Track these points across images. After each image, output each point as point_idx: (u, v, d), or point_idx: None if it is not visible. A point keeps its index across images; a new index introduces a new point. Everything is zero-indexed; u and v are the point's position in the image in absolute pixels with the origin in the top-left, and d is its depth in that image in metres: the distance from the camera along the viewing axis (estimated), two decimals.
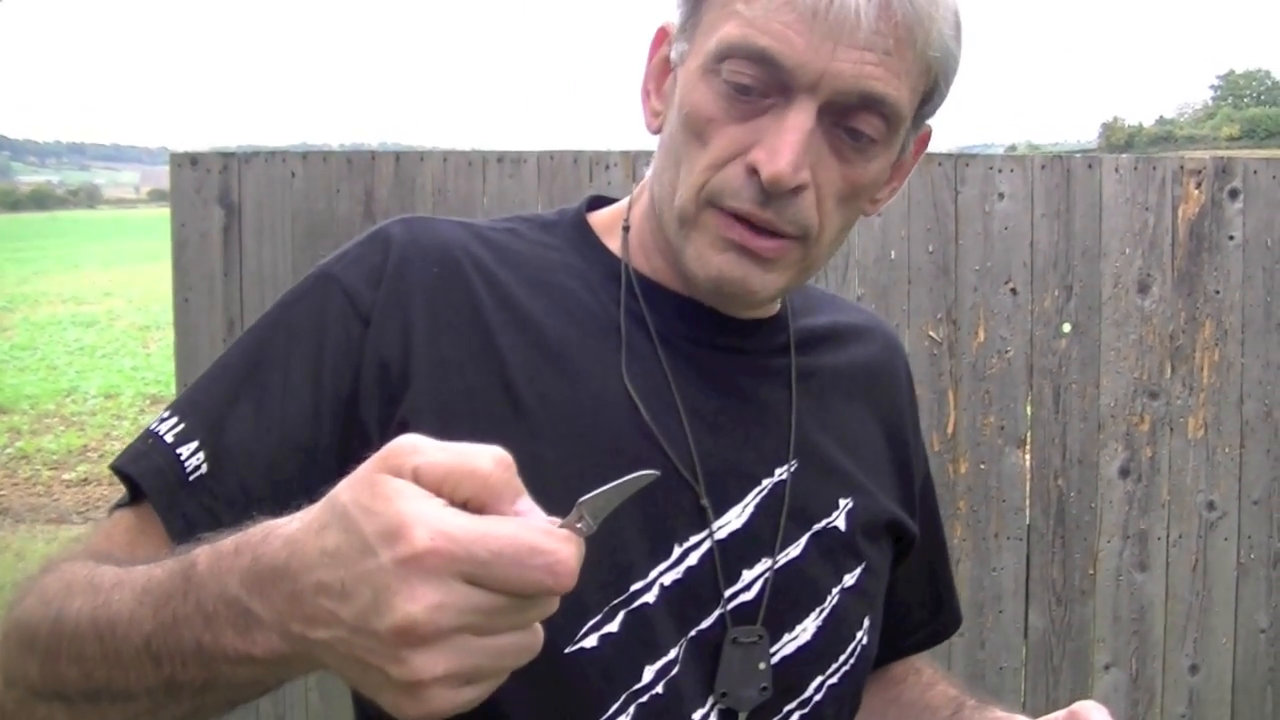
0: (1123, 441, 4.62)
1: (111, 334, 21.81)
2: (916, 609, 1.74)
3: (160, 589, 1.04)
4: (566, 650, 1.29)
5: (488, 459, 0.89)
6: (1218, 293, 4.59)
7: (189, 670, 1.01)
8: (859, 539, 1.50)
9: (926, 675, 1.78)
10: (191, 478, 1.30)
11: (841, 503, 1.49)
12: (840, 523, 1.48)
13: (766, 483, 1.43)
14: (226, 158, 4.74)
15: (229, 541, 0.99)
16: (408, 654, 0.85)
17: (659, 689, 1.33)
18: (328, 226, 4.69)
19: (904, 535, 1.60)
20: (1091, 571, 4.66)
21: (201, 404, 1.35)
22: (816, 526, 1.46)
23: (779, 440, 1.46)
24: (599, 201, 1.58)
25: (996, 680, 4.61)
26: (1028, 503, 4.64)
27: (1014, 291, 4.57)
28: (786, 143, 1.27)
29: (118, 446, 13.18)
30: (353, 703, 1.45)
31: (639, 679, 1.32)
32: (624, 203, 1.55)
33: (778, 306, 1.53)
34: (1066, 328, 4.59)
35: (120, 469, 1.34)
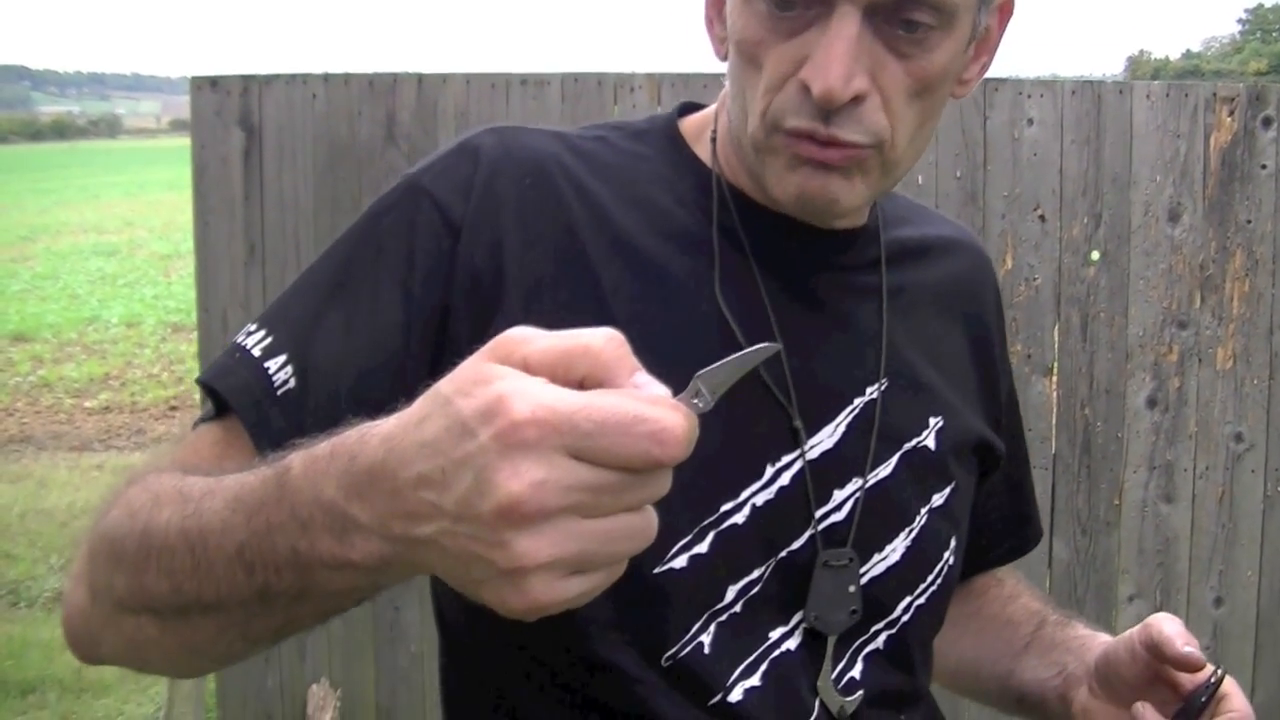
0: (1150, 372, 4.58)
1: (133, 263, 21.85)
2: (1000, 523, 1.73)
3: (253, 496, 1.01)
4: (655, 571, 1.27)
5: (600, 337, 0.87)
6: (1249, 222, 4.53)
7: (284, 579, 0.99)
8: (948, 459, 1.49)
9: (1009, 587, 1.78)
10: (280, 392, 1.27)
11: (931, 422, 1.48)
12: (930, 442, 1.47)
13: (858, 402, 1.42)
14: (247, 80, 4.71)
15: (324, 446, 0.96)
16: (511, 536, 0.82)
17: (738, 608, 1.32)
18: (349, 150, 4.66)
19: (991, 453, 1.59)
20: (1117, 502, 4.64)
21: (289, 317, 1.33)
22: (906, 446, 1.45)
23: (870, 359, 1.44)
24: (689, 108, 1.54)
25: None
26: (1054, 432, 4.61)
27: (1042, 219, 4.52)
28: (833, 55, 1.23)
29: (139, 375, 13.26)
30: (436, 624, 1.46)
31: (721, 599, 1.31)
32: (711, 109, 1.51)
33: (866, 216, 1.49)
34: (1095, 256, 4.54)
35: (207, 384, 1.31)
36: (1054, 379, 4.58)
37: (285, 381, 1.28)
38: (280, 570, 0.98)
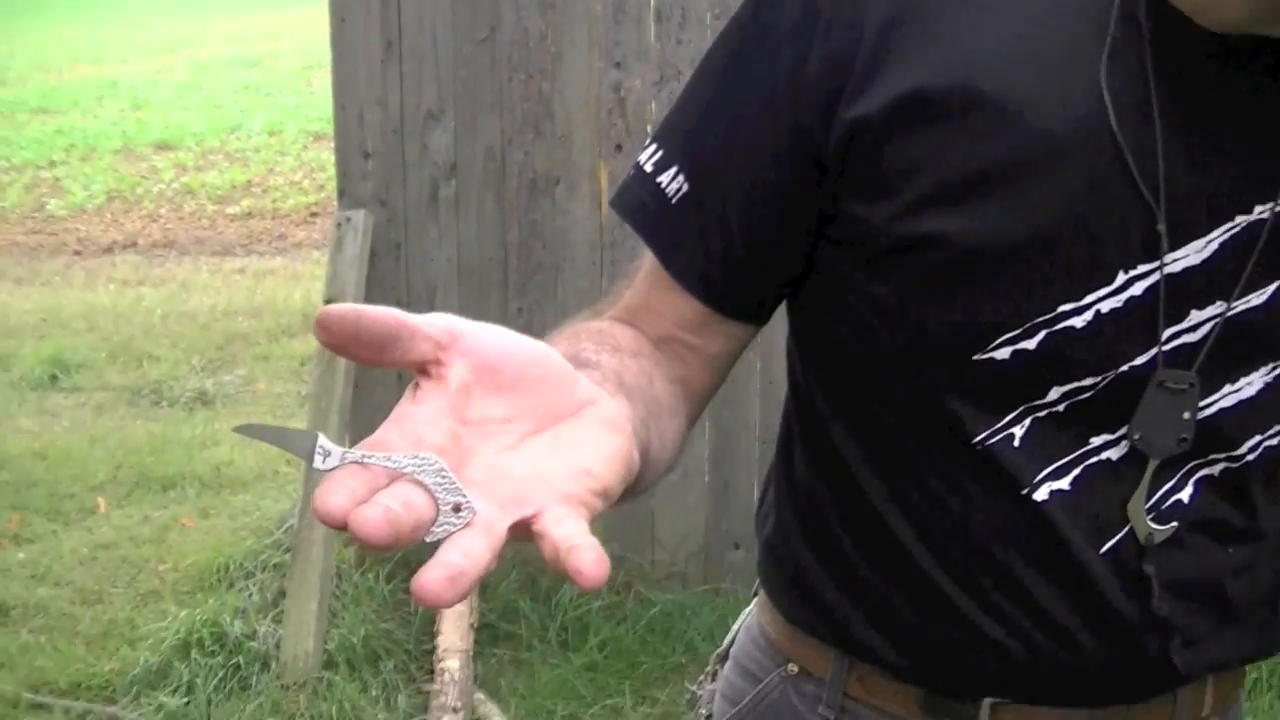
0: None
1: (275, 73, 21.84)
2: None
3: None
4: (975, 357, 1.25)
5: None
6: None
7: None
8: None
9: None
10: (674, 201, 1.33)
11: None
12: None
13: (1240, 220, 1.23)
14: None
15: None
16: None
17: (1060, 408, 1.27)
18: None
19: None
20: None
21: (677, 126, 1.37)
22: None
23: (1268, 174, 1.24)
24: None
25: None
26: None
27: None
28: None
29: (280, 182, 13.34)
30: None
31: (1043, 396, 1.26)
32: None
33: None
34: None
35: (612, 204, 1.42)
36: None
37: (679, 189, 1.33)
38: None
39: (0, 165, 14.52)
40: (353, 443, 0.88)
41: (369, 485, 0.81)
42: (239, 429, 0.88)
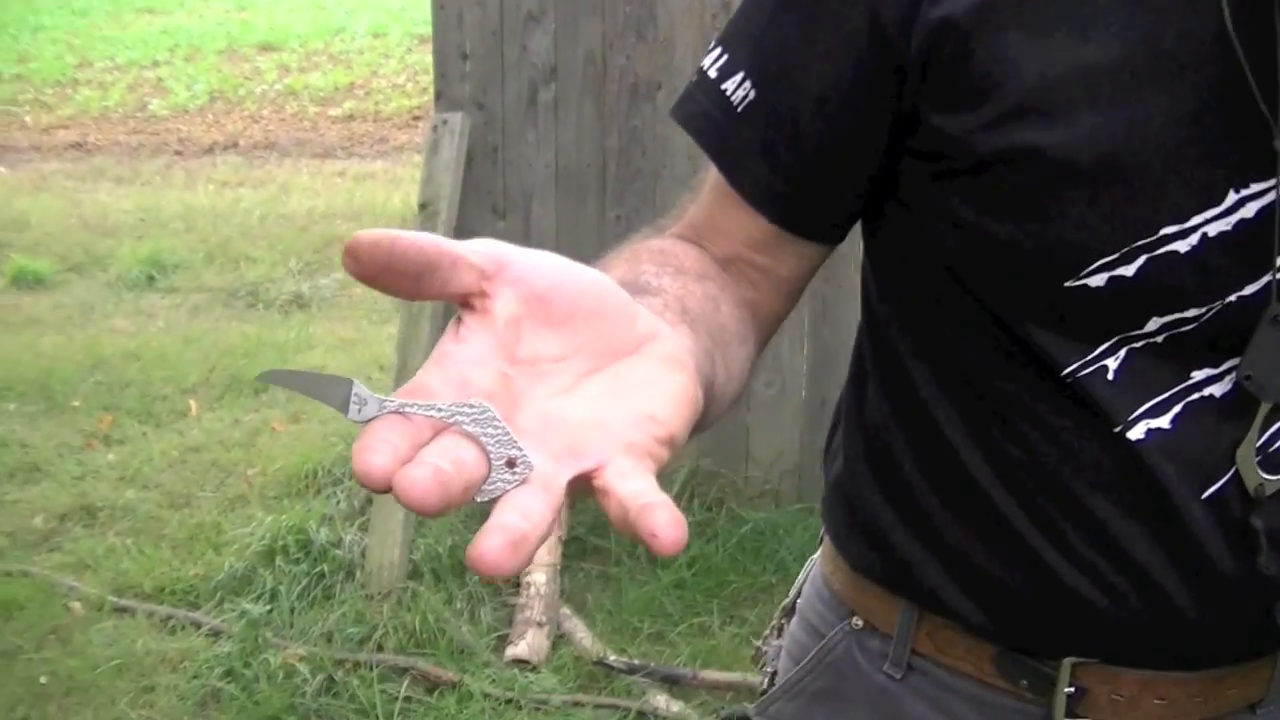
0: None
1: None
2: None
3: None
4: (1067, 284, 1.15)
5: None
6: None
7: None
8: None
9: None
10: (740, 110, 1.23)
11: None
12: None
13: None
14: None
15: None
16: None
17: (1159, 339, 1.17)
18: None
19: None
20: None
21: (744, 28, 1.25)
22: None
23: None
24: None
25: None
26: None
27: None
28: None
29: (384, 85, 13.31)
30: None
31: (1140, 326, 1.16)
32: None
33: None
34: None
35: (672, 114, 1.31)
36: None
37: (745, 98, 1.22)
38: None
39: (104, 64, 14.60)
40: None
41: (412, 440, 0.73)
42: (263, 377, 0.81)
